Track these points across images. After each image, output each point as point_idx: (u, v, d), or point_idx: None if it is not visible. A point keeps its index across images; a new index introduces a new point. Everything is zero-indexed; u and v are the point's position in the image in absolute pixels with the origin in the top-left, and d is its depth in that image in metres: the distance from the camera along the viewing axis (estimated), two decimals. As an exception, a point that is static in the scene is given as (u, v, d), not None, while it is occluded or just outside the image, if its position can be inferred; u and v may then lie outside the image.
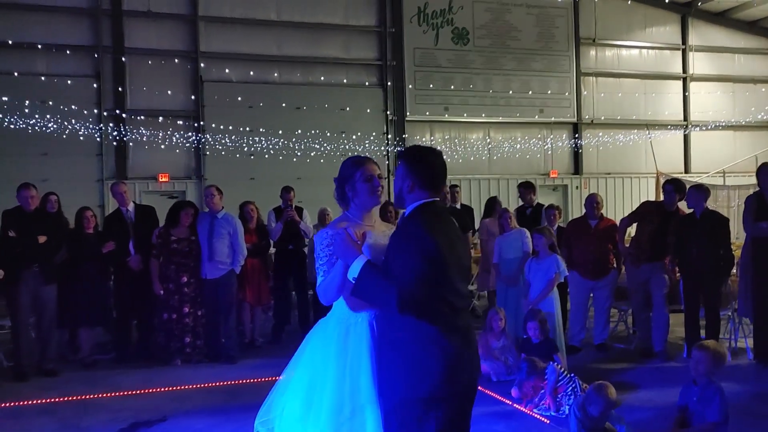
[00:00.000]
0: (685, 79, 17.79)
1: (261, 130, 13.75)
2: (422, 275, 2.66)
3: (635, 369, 6.83)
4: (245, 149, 13.74)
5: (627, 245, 7.55)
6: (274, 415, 3.05)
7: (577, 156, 16.78)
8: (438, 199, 2.93)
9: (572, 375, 5.59)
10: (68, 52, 12.79)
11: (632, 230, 7.73)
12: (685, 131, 17.68)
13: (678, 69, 17.82)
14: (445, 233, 2.81)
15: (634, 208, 8.00)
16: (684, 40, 17.74)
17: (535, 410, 5.51)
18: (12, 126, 12.07)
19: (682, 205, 7.46)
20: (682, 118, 17.74)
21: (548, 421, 5.30)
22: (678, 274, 7.29)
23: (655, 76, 17.57)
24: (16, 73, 12.34)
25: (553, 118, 16.41)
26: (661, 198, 7.63)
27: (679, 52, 17.82)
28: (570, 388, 5.46)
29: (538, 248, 6.73)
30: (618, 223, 7.79)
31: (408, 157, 2.93)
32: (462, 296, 2.85)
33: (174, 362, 7.24)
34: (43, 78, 12.55)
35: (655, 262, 7.18)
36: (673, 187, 7.27)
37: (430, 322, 2.72)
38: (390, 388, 2.78)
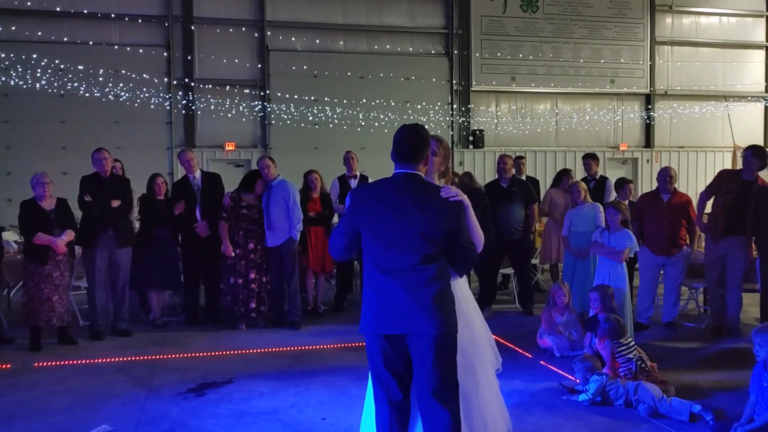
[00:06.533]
0: (767, 48, 16.86)
1: (326, 99, 13.78)
2: (338, 229, 3.37)
3: (706, 348, 6.62)
4: (310, 118, 13.81)
5: (706, 221, 7.25)
6: None
7: (648, 128, 16.19)
8: (416, 172, 3.27)
9: (633, 360, 5.35)
10: (140, 21, 13.06)
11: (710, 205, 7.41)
12: (766, 103, 16.82)
13: (761, 37, 16.88)
14: (374, 200, 3.23)
15: (707, 184, 7.66)
16: (768, 7, 16.81)
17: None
18: (87, 94, 12.46)
19: (765, 177, 7.09)
20: (763, 89, 16.86)
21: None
22: (755, 252, 6.97)
23: (735, 45, 16.70)
24: (90, 43, 12.69)
25: (624, 89, 15.84)
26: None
27: (763, 19, 16.85)
28: (627, 368, 5.27)
29: (611, 222, 6.54)
30: (691, 198, 7.51)
31: None
32: (388, 259, 3.18)
33: (239, 326, 7.42)
34: (115, 47, 12.86)
35: (735, 236, 6.85)
36: (752, 152, 6.89)
37: (363, 269, 3.32)
38: None
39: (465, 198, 3.31)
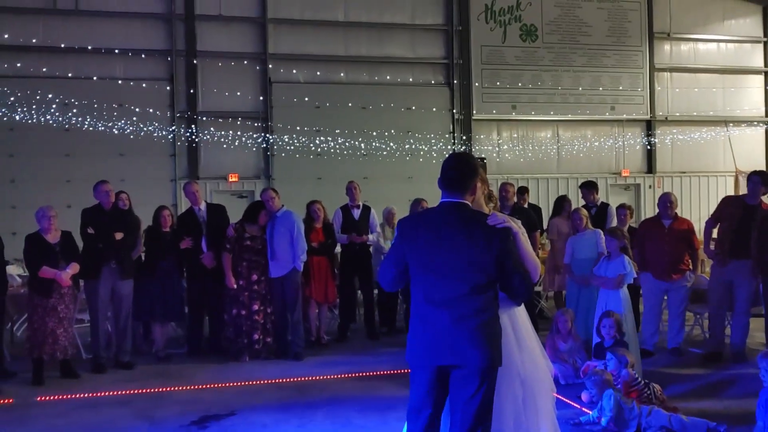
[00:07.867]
0: (766, 74, 16.99)
1: (328, 129, 13.89)
2: (388, 260, 3.44)
3: (712, 374, 6.56)
4: (312, 149, 13.90)
5: (713, 248, 7.26)
6: None
7: (650, 154, 16.25)
8: (463, 201, 3.27)
9: (650, 384, 5.36)
10: (143, 56, 13.23)
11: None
12: (766, 127, 16.89)
13: (759, 63, 17.03)
14: (422, 230, 3.26)
15: (710, 208, 7.70)
16: (765, 33, 16.93)
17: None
18: (91, 128, 12.58)
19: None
20: (763, 113, 16.95)
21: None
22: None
23: (734, 71, 16.83)
24: (95, 78, 12.86)
25: (624, 116, 15.94)
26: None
27: (761, 45, 17.02)
28: (646, 395, 5.28)
29: (611, 250, 6.55)
30: (693, 223, 7.53)
31: None
32: (436, 289, 3.20)
33: (242, 358, 7.38)
34: (119, 82, 13.03)
35: (741, 261, 6.86)
36: (760, 178, 6.94)
37: (411, 300, 3.37)
38: None
39: (513, 225, 3.30)
